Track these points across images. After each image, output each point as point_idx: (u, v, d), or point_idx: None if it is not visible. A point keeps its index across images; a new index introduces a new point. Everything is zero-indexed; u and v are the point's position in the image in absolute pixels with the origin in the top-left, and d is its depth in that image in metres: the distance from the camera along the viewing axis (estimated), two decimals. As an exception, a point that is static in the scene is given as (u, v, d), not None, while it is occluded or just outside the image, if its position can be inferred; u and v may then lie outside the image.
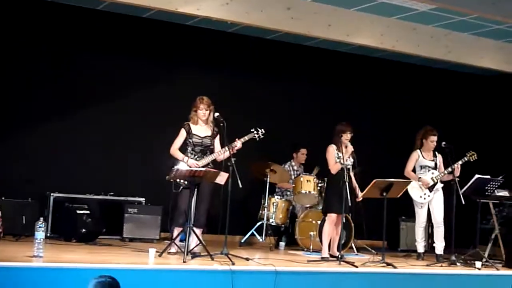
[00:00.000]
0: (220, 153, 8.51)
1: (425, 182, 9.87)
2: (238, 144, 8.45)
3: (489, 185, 9.77)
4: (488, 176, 9.78)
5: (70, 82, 10.46)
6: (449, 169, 9.69)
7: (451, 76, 13.16)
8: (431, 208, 9.98)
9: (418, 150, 10.05)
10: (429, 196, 9.89)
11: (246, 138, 8.60)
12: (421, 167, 10.00)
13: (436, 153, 10.06)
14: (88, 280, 4.17)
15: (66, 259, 7.31)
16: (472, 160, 9.80)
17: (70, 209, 9.59)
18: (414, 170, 10.03)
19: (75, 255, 7.92)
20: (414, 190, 9.90)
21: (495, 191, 10.09)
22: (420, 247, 10.10)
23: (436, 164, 10.01)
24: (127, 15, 10.63)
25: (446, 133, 10.13)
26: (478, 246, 9.70)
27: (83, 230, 9.34)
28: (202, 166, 8.34)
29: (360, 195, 9.19)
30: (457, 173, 9.69)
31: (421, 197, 9.91)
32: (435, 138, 9.93)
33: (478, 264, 9.14)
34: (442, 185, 9.95)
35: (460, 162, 9.73)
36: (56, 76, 10.39)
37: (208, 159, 8.50)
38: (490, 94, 13.43)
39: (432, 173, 9.91)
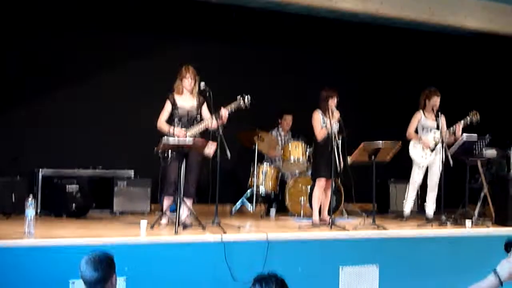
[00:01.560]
0: (209, 121, 8.46)
1: (426, 142, 9.85)
2: (225, 112, 8.42)
3: (476, 145, 9.80)
4: (475, 134, 9.81)
5: (56, 57, 10.37)
6: (452, 128, 9.68)
7: (436, 38, 13.13)
8: (429, 169, 9.97)
9: (421, 111, 10.02)
10: (430, 156, 9.88)
11: (233, 106, 8.55)
12: (423, 127, 9.98)
13: (439, 113, 9.99)
14: (80, 255, 4.18)
15: (58, 235, 7.33)
16: (474, 120, 9.79)
17: (59, 185, 9.58)
18: (416, 131, 10.03)
19: (66, 230, 7.94)
20: (416, 150, 9.90)
21: (483, 150, 10.12)
22: (408, 207, 10.13)
23: (438, 124, 9.94)
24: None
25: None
26: (468, 206, 9.76)
27: (73, 205, 9.34)
28: (190, 136, 8.31)
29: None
30: (459, 134, 9.70)
31: (422, 157, 9.88)
32: (438, 98, 9.89)
33: (468, 222, 9.20)
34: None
35: (462, 122, 9.73)
36: (41, 51, 10.30)
37: (196, 128, 8.46)
38: (474, 55, 13.42)
39: (434, 132, 9.89)
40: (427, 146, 9.85)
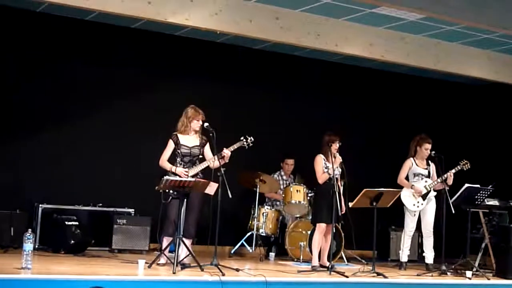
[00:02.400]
0: (211, 161, 8.46)
1: (418, 190, 9.85)
2: (227, 152, 8.41)
3: (479, 194, 9.78)
4: (478, 185, 9.80)
5: (58, 93, 10.43)
6: (444, 176, 9.68)
7: (440, 85, 13.20)
8: (423, 217, 9.98)
9: (411, 158, 10.05)
10: (422, 204, 9.88)
11: (235, 146, 8.55)
12: (415, 175, 10.00)
13: (430, 161, 10.05)
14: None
15: (55, 270, 7.28)
16: (465, 169, 9.81)
17: (58, 220, 9.55)
18: (407, 178, 10.02)
19: (64, 266, 7.88)
20: (407, 198, 9.88)
21: (485, 200, 10.09)
22: (404, 256, 10.07)
23: (429, 172, 10.01)
24: (116, 25, 10.60)
25: (436, 143, 10.12)
26: (468, 256, 9.70)
27: (72, 241, 9.30)
28: (192, 176, 8.30)
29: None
30: (450, 181, 9.71)
31: (414, 205, 9.88)
32: (429, 146, 9.94)
33: (468, 273, 9.16)
34: (435, 193, 9.95)
35: (453, 171, 9.74)
36: (43, 86, 10.35)
37: (197, 168, 8.46)
38: (479, 104, 13.49)
39: (426, 181, 9.91)
40: (419, 193, 9.84)
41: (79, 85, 10.57)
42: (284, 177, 11.33)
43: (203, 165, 8.48)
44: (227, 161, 8.38)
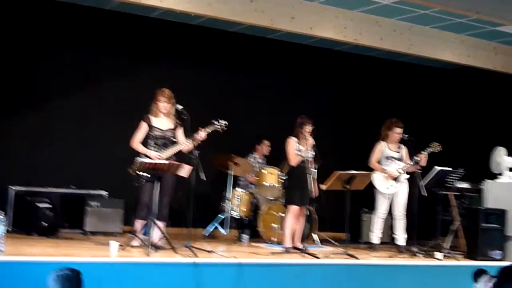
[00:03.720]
0: (184, 144, 8.46)
1: (390, 173, 9.92)
2: (201, 134, 8.41)
3: (450, 177, 9.87)
4: (449, 168, 9.89)
5: (31, 75, 10.36)
6: (416, 158, 9.76)
7: (413, 69, 13.28)
8: (395, 200, 10.05)
9: (383, 142, 10.10)
10: (395, 187, 9.95)
11: (208, 129, 8.56)
12: (387, 158, 10.06)
13: (401, 144, 10.12)
14: (49, 272, 4.14)
15: (28, 253, 7.27)
16: (437, 151, 9.88)
17: (31, 203, 9.49)
18: (380, 162, 10.09)
19: (36, 249, 7.86)
20: (380, 181, 9.95)
21: (456, 182, 10.19)
22: (376, 238, 10.13)
23: (401, 155, 10.08)
24: (89, 6, 10.55)
25: (409, 126, 10.20)
26: (440, 238, 9.81)
27: (45, 223, 9.25)
28: (165, 159, 8.30)
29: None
30: (424, 163, 9.78)
31: (387, 188, 9.95)
32: (400, 130, 10.00)
33: (439, 255, 9.26)
34: (407, 176, 10.02)
35: (425, 153, 9.81)
36: (14, 70, 10.26)
37: (171, 150, 8.45)
38: (452, 88, 13.60)
39: (398, 164, 9.98)
40: (391, 176, 9.92)
41: (53, 68, 10.50)
42: (258, 159, 11.35)
43: (176, 148, 8.48)
44: (199, 142, 8.37)
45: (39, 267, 6.40)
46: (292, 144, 9.21)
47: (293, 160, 9.16)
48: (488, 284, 3.71)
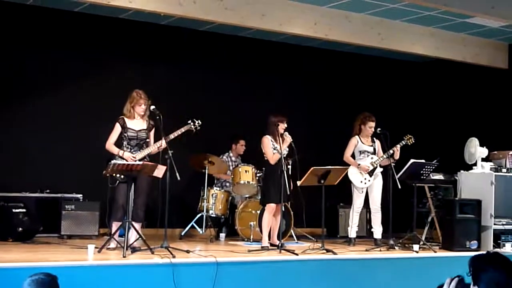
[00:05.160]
0: (156, 146, 8.44)
1: (364, 167, 9.96)
2: (175, 134, 8.43)
3: (424, 169, 9.93)
4: (423, 161, 9.96)
5: (2, 78, 10.25)
6: (390, 151, 9.81)
7: (385, 63, 13.34)
8: (370, 193, 10.09)
9: (356, 136, 10.13)
10: (369, 181, 9.99)
11: (183, 129, 8.55)
12: (360, 152, 10.10)
13: (375, 138, 10.17)
14: (24, 277, 4.11)
15: (3, 258, 7.19)
16: (410, 143, 9.94)
17: (5, 208, 9.40)
18: (353, 156, 10.12)
19: (12, 254, 7.80)
20: (354, 175, 9.98)
21: (430, 174, 10.26)
22: (353, 232, 10.16)
23: (374, 149, 10.13)
24: (58, 9, 10.48)
25: (381, 120, 10.24)
26: (415, 230, 9.86)
27: (20, 228, 9.17)
28: (139, 160, 8.28)
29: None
30: (397, 156, 9.84)
31: (361, 182, 9.98)
32: (373, 124, 10.03)
33: (415, 247, 9.32)
34: (381, 169, 10.07)
35: (398, 146, 9.86)
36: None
37: (144, 152, 8.43)
38: (423, 80, 13.68)
39: (371, 158, 10.02)
40: (366, 170, 9.96)
41: (25, 69, 10.45)
42: (233, 158, 11.35)
43: (149, 149, 8.46)
44: (169, 140, 8.36)
45: (15, 272, 6.38)
46: (268, 143, 9.20)
47: (272, 158, 9.16)
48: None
